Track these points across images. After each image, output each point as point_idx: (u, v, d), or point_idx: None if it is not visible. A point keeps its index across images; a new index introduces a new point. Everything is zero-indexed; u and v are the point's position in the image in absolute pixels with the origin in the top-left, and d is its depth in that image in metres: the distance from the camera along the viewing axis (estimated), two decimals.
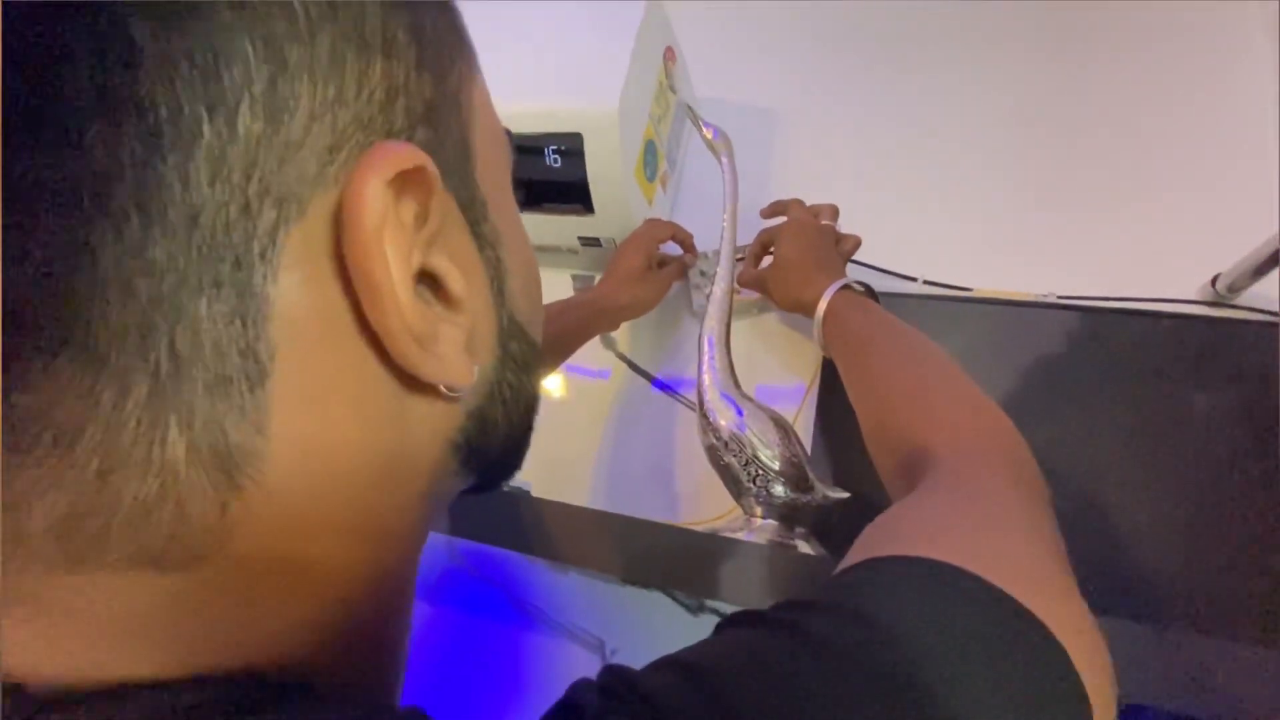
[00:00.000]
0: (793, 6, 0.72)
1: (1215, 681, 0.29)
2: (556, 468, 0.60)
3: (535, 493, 0.57)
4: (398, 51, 0.15)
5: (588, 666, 0.51)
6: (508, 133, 0.20)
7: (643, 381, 0.61)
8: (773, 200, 0.57)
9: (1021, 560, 0.21)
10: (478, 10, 0.59)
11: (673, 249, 0.61)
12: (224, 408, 0.13)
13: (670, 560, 0.41)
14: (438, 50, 0.16)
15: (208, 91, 0.12)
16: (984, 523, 0.23)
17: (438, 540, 0.56)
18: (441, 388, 0.16)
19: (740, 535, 0.41)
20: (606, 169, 0.56)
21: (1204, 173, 0.54)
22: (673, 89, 0.63)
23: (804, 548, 0.40)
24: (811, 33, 0.71)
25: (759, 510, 0.41)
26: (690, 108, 0.52)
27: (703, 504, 0.54)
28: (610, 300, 0.54)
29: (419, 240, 0.15)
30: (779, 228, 0.53)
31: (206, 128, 0.12)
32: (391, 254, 0.14)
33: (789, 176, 0.65)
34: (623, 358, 0.63)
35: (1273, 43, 0.57)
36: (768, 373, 0.58)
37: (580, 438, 0.61)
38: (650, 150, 0.60)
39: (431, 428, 0.17)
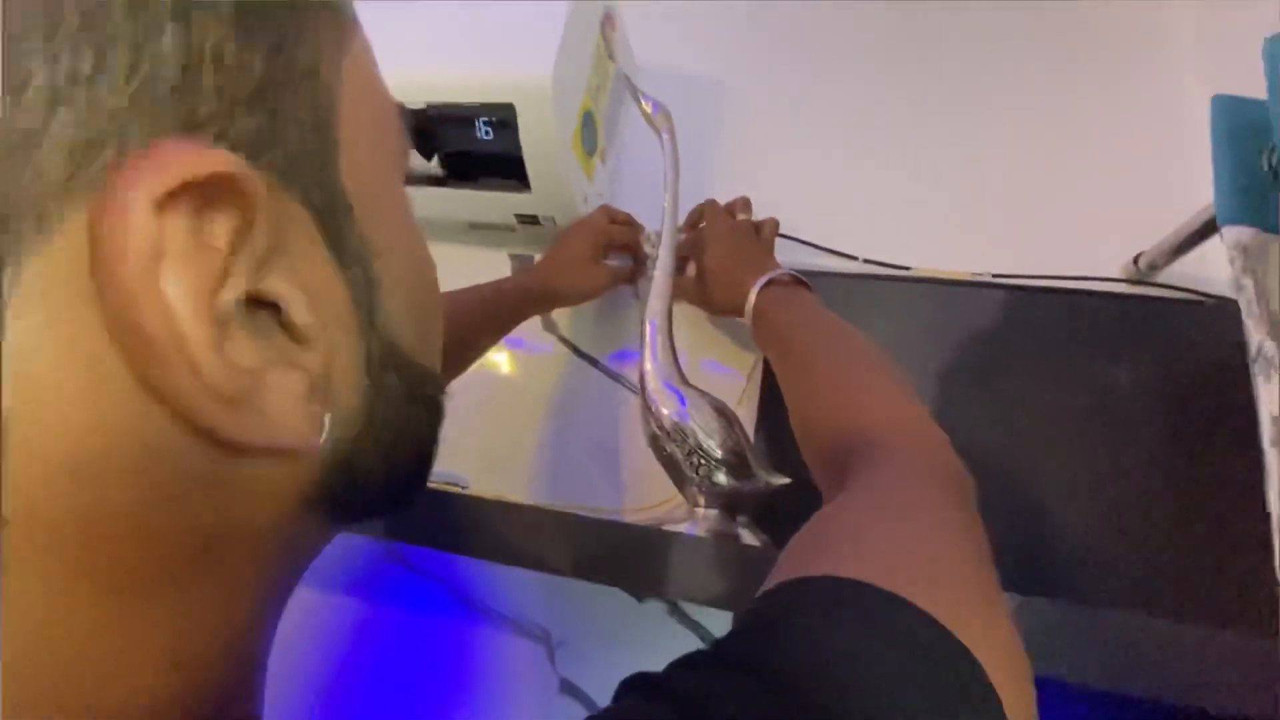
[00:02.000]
0: None
1: (1136, 657, 0.30)
2: (494, 454, 0.58)
3: (474, 482, 0.55)
4: (202, 12, 0.11)
5: (534, 660, 0.51)
6: (404, 112, 0.17)
7: (585, 363, 0.60)
8: (715, 178, 0.56)
9: (943, 571, 0.21)
10: None
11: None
12: None
13: (614, 558, 0.40)
14: (280, 11, 0.13)
15: None
16: (911, 535, 0.23)
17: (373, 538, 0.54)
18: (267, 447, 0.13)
19: (683, 527, 0.40)
20: (542, 142, 0.53)
21: (1131, 153, 0.56)
22: (612, 57, 0.60)
23: (746, 536, 0.40)
24: (757, 3, 0.69)
25: (702, 499, 0.41)
26: (629, 79, 0.49)
27: (649, 488, 0.53)
28: (546, 286, 0.52)
29: (240, 262, 0.12)
30: (694, 238, 0.52)
31: None
32: (177, 290, 0.11)
33: (732, 151, 0.64)
34: (565, 341, 0.61)
35: (1194, 21, 0.58)
36: (712, 353, 0.57)
37: (521, 420, 0.59)
38: (588, 122, 0.57)
39: (270, 489, 0.14)
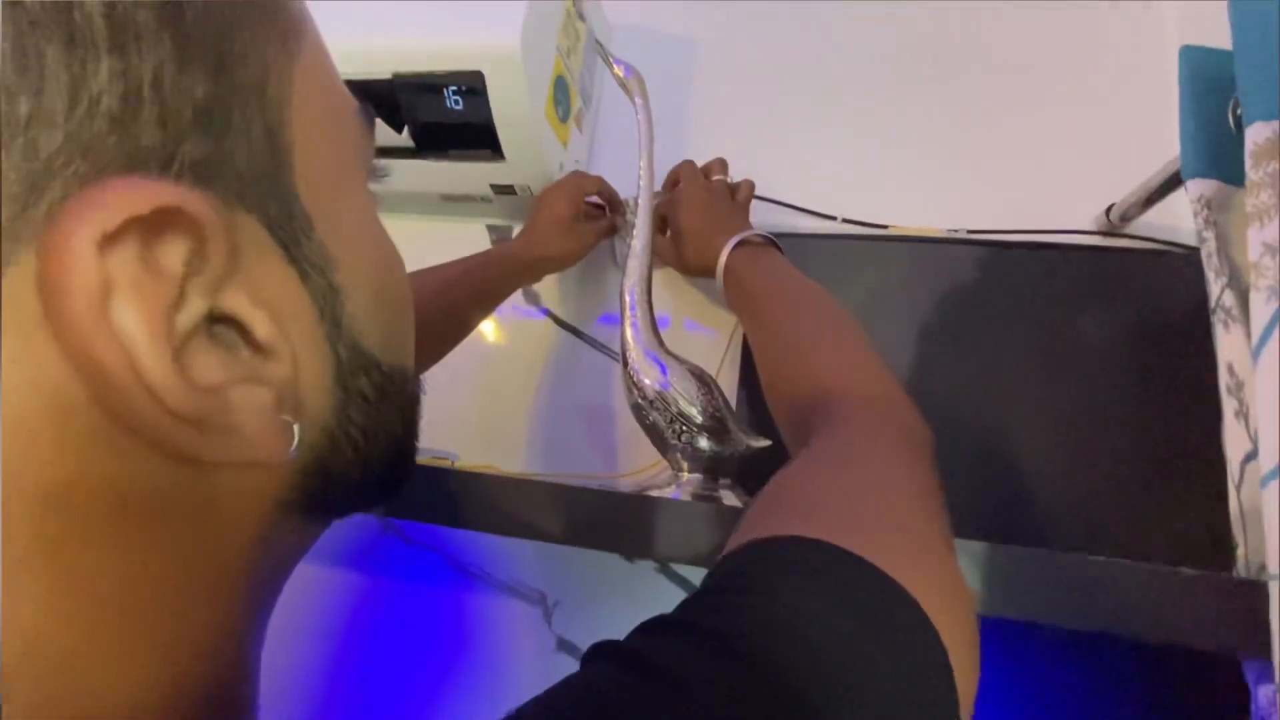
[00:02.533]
0: None
1: (1103, 596, 0.32)
2: (484, 426, 0.59)
3: (462, 455, 0.56)
4: (138, 41, 0.11)
5: (530, 621, 0.53)
6: (364, 108, 0.17)
7: (568, 333, 0.60)
8: (691, 138, 0.55)
9: (895, 526, 0.22)
10: None
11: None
12: None
13: (603, 523, 0.41)
14: (217, 33, 0.13)
15: None
16: (862, 489, 0.24)
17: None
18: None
19: (667, 492, 0.41)
20: (513, 110, 0.52)
21: (1104, 105, 0.56)
22: (581, 17, 0.59)
23: (728, 498, 0.41)
24: None
25: (685, 464, 0.42)
26: (600, 44, 0.48)
27: (634, 453, 0.55)
28: (533, 251, 0.51)
29: (196, 286, 0.12)
30: (670, 199, 0.52)
31: None
32: (132, 323, 0.11)
33: (708, 111, 0.63)
34: (549, 313, 0.62)
35: None
36: (694, 314, 0.58)
37: (506, 390, 0.60)
38: (561, 87, 0.56)
39: (246, 497, 0.14)
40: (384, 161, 0.18)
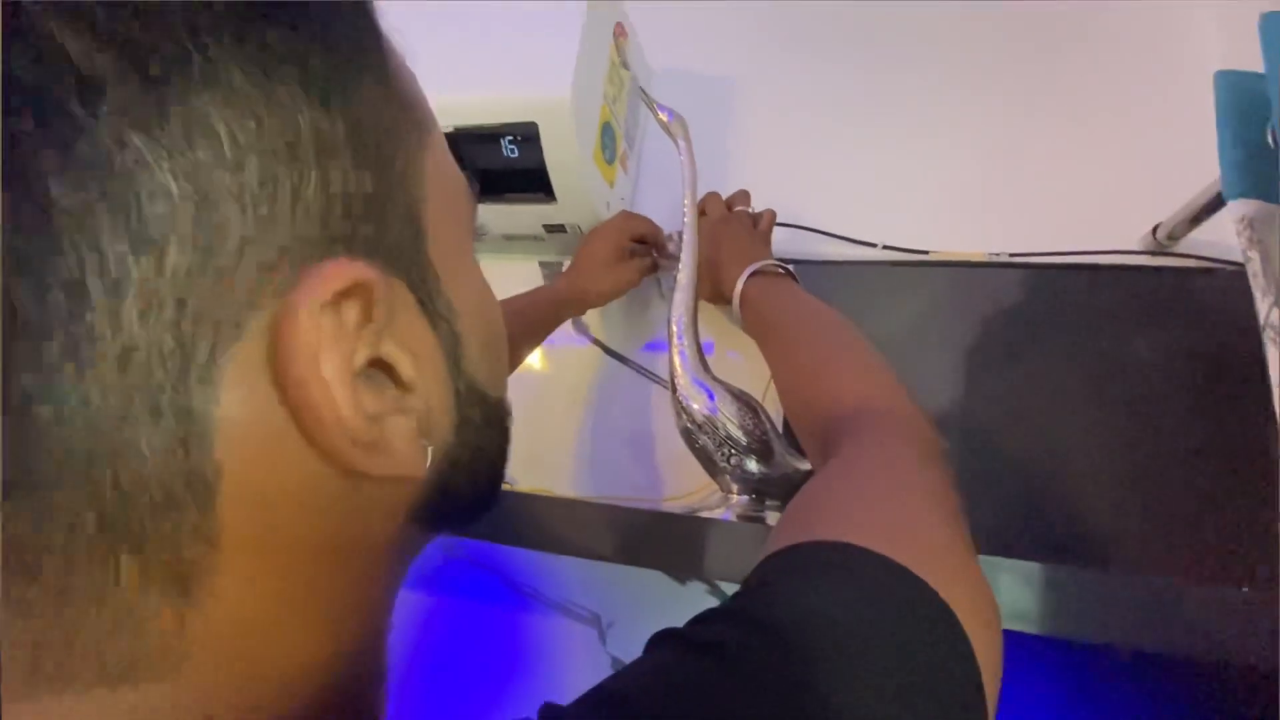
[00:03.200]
0: None
1: (1162, 617, 0.32)
2: (536, 451, 0.61)
3: (519, 479, 0.59)
4: (333, 157, 0.14)
5: (586, 641, 0.54)
6: (470, 182, 0.21)
7: (610, 362, 0.63)
8: (730, 174, 0.58)
9: (920, 530, 0.23)
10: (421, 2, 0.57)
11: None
12: (174, 530, 0.13)
13: (656, 544, 0.43)
14: (381, 141, 0.16)
15: (132, 234, 0.12)
16: (886, 496, 0.26)
17: None
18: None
19: (717, 514, 0.43)
20: (564, 155, 0.55)
21: (1145, 124, 0.56)
22: (625, 66, 0.63)
23: (772, 519, 0.42)
24: (763, 1, 0.70)
25: (735, 487, 0.44)
26: (644, 91, 0.51)
27: (685, 477, 0.56)
28: (578, 289, 0.55)
29: (364, 337, 0.15)
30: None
31: (133, 268, 0.12)
32: (330, 370, 0.14)
33: (747, 147, 0.66)
34: (597, 342, 0.65)
35: None
36: (738, 346, 0.59)
37: (560, 415, 0.63)
38: (608, 132, 0.60)
39: (387, 507, 0.17)
40: (482, 221, 0.22)
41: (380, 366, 0.16)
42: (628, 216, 0.58)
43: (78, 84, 0.11)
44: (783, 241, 0.57)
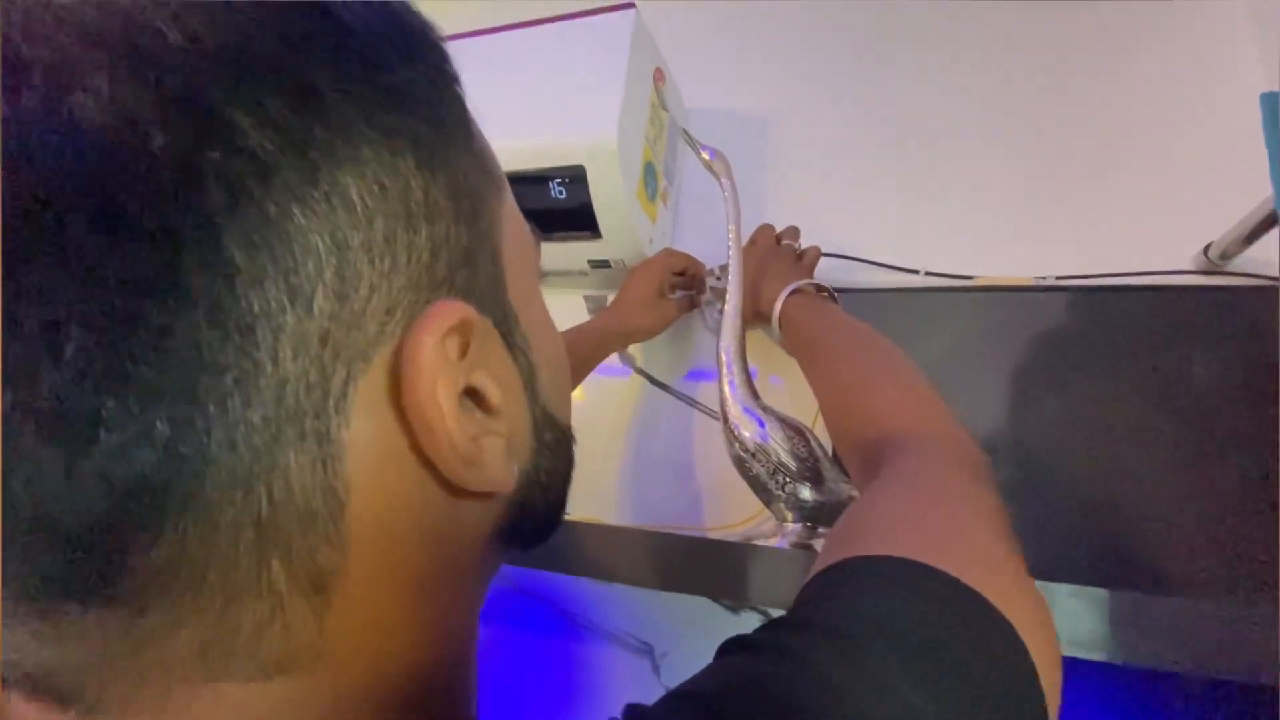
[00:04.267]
0: (772, 9, 0.74)
1: (1235, 648, 0.31)
2: (584, 481, 0.62)
3: (570, 509, 0.60)
4: (438, 215, 0.17)
5: (639, 672, 0.54)
6: (534, 229, 0.23)
7: (655, 393, 0.64)
8: (769, 207, 0.59)
9: (972, 544, 0.24)
10: (474, 50, 0.61)
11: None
12: (313, 537, 0.15)
13: (706, 571, 0.43)
14: (471, 199, 0.18)
15: (290, 286, 0.14)
16: (934, 512, 0.26)
17: None
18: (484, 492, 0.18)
19: (773, 541, 0.43)
20: (610, 195, 0.58)
21: (1192, 142, 0.56)
22: (664, 107, 0.65)
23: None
24: (795, 34, 0.72)
25: (789, 514, 0.44)
26: (686, 132, 0.54)
27: (726, 507, 0.57)
28: (620, 326, 0.58)
29: (463, 367, 0.17)
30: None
31: (289, 316, 0.14)
32: (442, 395, 0.16)
33: (786, 181, 0.67)
34: (641, 371, 0.66)
35: (1251, 8, 0.58)
36: (782, 372, 0.60)
37: (604, 445, 0.64)
38: (649, 171, 0.62)
39: (479, 522, 0.19)
40: (542, 263, 0.24)
41: (472, 395, 0.18)
42: (669, 254, 0.60)
43: (256, 166, 0.14)
44: (825, 271, 0.58)
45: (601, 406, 0.66)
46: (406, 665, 0.18)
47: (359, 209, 0.15)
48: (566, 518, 0.57)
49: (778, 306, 0.48)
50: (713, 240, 0.66)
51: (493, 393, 0.18)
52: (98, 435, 0.12)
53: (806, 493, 0.42)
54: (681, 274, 0.60)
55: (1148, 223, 0.54)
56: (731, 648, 0.20)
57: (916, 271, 0.58)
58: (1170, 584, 0.45)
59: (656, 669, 0.54)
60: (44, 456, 0.12)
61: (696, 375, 0.64)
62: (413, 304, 0.16)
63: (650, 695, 0.56)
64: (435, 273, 0.17)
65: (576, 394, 0.67)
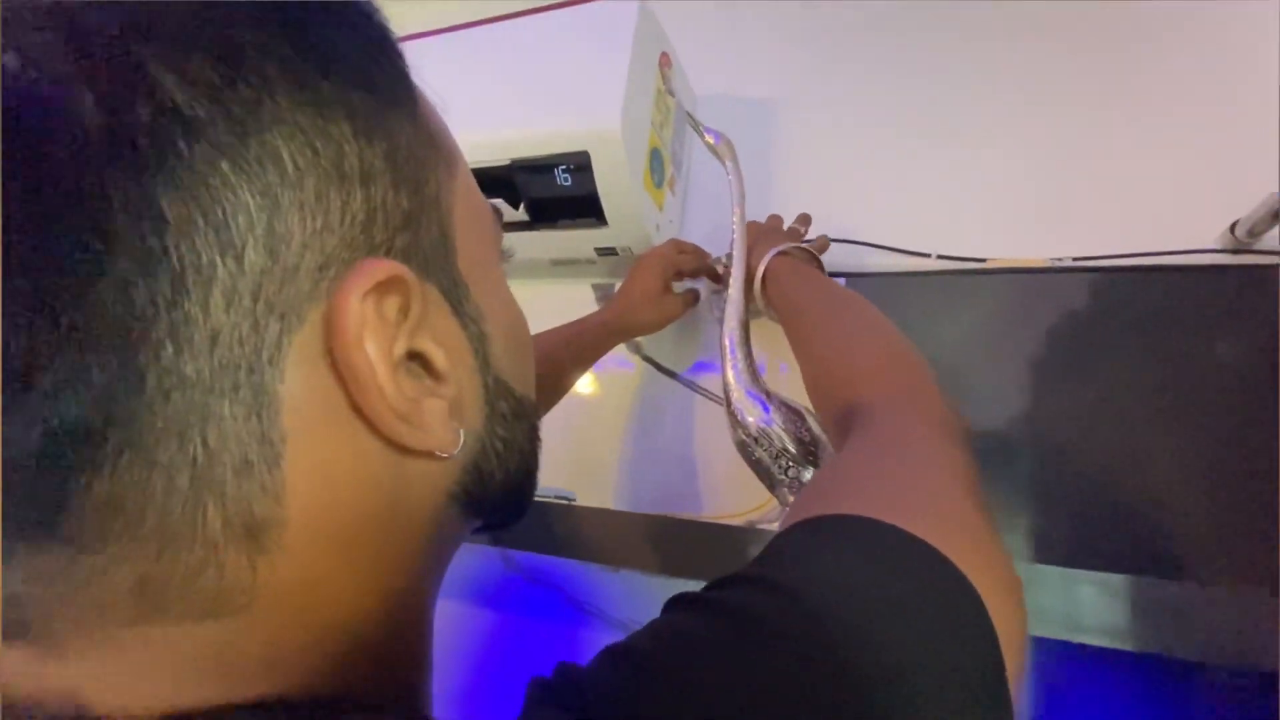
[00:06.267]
0: None
1: (1251, 635, 0.30)
2: (589, 468, 0.62)
3: (578, 497, 0.60)
4: (374, 178, 0.17)
5: None
6: (495, 209, 0.23)
7: (660, 378, 0.63)
8: (776, 192, 0.58)
9: (937, 503, 0.23)
10: (479, 38, 0.61)
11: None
12: (248, 486, 0.16)
13: (710, 555, 0.43)
14: (413, 166, 0.18)
15: (220, 240, 0.14)
16: (902, 471, 0.26)
17: (494, 552, 0.59)
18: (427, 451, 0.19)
19: (776, 525, 0.43)
20: (615, 182, 0.57)
21: (1216, 115, 0.53)
22: (670, 93, 0.65)
23: None
24: (801, 17, 0.71)
25: (793, 499, 0.43)
26: (690, 115, 0.53)
27: (732, 497, 0.56)
28: (624, 321, 0.57)
29: (404, 329, 0.17)
30: None
31: (220, 269, 0.15)
32: (373, 350, 0.17)
33: (793, 165, 0.66)
34: (647, 359, 0.66)
35: None
36: (789, 359, 0.59)
37: (608, 434, 0.64)
38: (655, 157, 0.62)
39: (429, 483, 0.20)
40: (509, 245, 0.24)
41: (418, 360, 0.18)
42: (675, 248, 0.59)
43: (183, 125, 0.14)
44: (834, 256, 0.57)
45: (605, 398, 0.66)
46: (341, 619, 0.18)
47: (289, 168, 0.15)
48: (573, 504, 0.57)
49: (761, 266, 0.48)
50: (723, 228, 0.65)
51: (437, 357, 0.18)
52: (34, 379, 0.13)
53: (810, 476, 0.42)
54: (691, 273, 0.60)
55: (1170, 200, 0.52)
56: (674, 604, 0.20)
57: (928, 255, 0.57)
58: (1192, 571, 0.43)
59: None
60: None
61: (701, 367, 0.64)
62: (346, 263, 0.17)
63: None
64: (372, 235, 0.17)
65: (586, 385, 0.67)
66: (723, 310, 0.49)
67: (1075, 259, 0.52)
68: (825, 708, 0.16)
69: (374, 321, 0.17)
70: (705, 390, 0.62)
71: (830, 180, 0.64)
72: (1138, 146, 0.55)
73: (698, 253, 0.60)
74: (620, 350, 0.65)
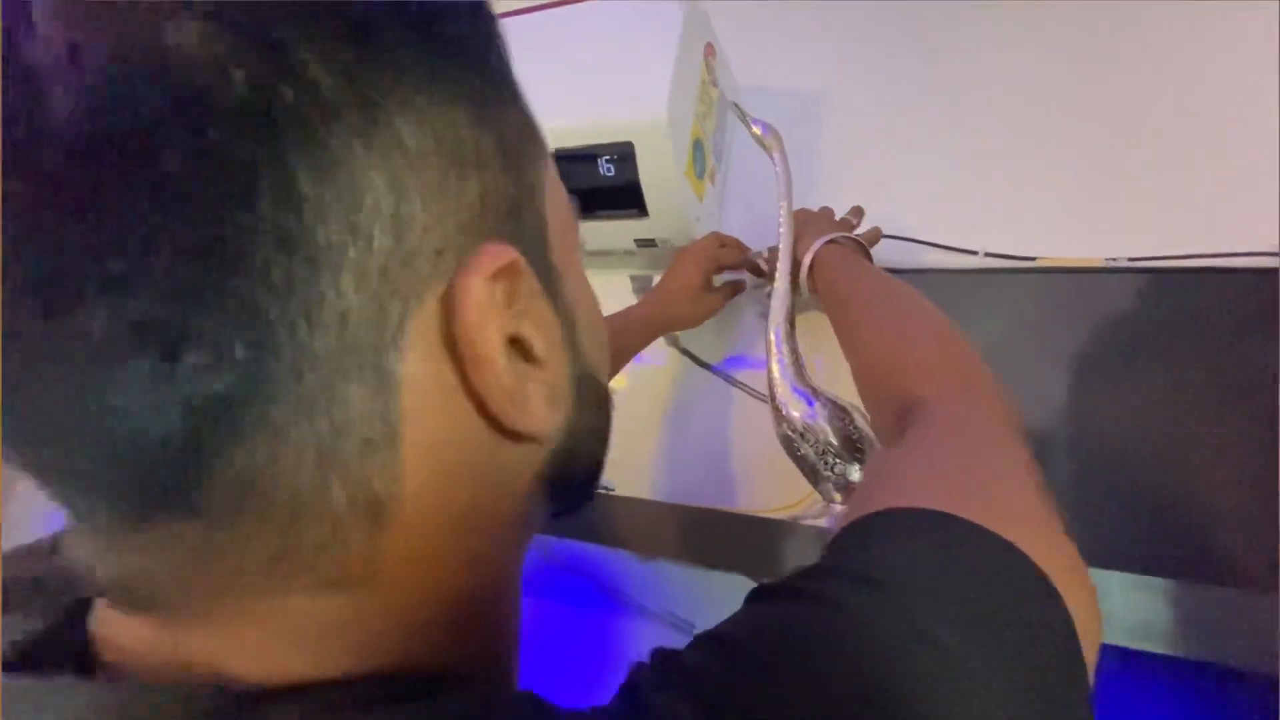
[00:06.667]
0: None
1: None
2: (626, 458, 0.62)
3: (616, 487, 0.60)
4: (487, 164, 0.18)
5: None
6: (573, 199, 0.23)
7: (699, 369, 0.63)
8: (823, 187, 0.58)
9: (1005, 497, 0.23)
10: (523, 28, 0.61)
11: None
12: (370, 465, 0.16)
13: (748, 548, 0.43)
14: (518, 152, 0.19)
15: (351, 221, 0.15)
16: (971, 466, 0.25)
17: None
18: (529, 436, 0.19)
19: (822, 522, 0.42)
20: (658, 173, 0.57)
21: (1273, 117, 0.52)
22: (714, 84, 0.64)
23: None
24: (848, 8, 0.70)
25: (837, 495, 0.43)
26: (737, 105, 0.53)
27: (762, 490, 0.56)
28: (665, 315, 0.57)
29: (510, 315, 0.18)
30: None
31: (351, 249, 0.15)
32: (492, 331, 0.17)
33: (837, 160, 0.65)
34: (684, 351, 0.66)
35: None
36: (830, 356, 0.59)
37: (645, 425, 0.64)
38: (698, 148, 0.62)
39: (523, 467, 0.20)
40: (581, 236, 0.24)
41: (517, 345, 0.19)
42: (717, 241, 0.59)
43: (322, 106, 0.14)
44: (876, 251, 0.57)
45: (639, 392, 0.66)
46: (451, 596, 0.19)
47: (414, 152, 0.16)
48: (612, 493, 0.57)
49: (808, 257, 0.48)
50: (760, 221, 0.65)
51: (537, 343, 0.19)
52: (181, 353, 0.13)
53: (855, 473, 0.42)
54: (732, 268, 0.60)
55: (1229, 200, 0.51)
56: (761, 595, 0.20)
57: (975, 252, 0.56)
58: (1245, 578, 0.42)
59: None
60: (133, 371, 0.13)
61: (735, 362, 0.63)
62: (462, 247, 0.17)
63: None
64: (484, 220, 0.17)
65: (617, 381, 0.67)
66: (764, 304, 0.49)
67: (1131, 259, 0.51)
68: (920, 698, 0.16)
69: (493, 304, 0.17)
70: (742, 384, 0.62)
71: (874, 174, 0.63)
72: (1198, 143, 0.53)
73: (739, 246, 0.59)
74: (657, 341, 0.65)
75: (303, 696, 0.16)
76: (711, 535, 0.46)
